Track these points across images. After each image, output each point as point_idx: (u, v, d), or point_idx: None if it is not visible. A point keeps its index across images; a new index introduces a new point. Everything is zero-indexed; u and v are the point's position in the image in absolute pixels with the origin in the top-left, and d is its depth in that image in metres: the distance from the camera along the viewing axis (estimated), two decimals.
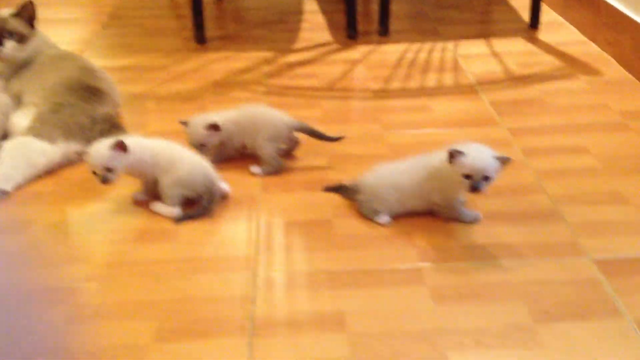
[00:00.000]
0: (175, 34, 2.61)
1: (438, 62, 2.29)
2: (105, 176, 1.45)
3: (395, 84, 2.15)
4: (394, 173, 1.47)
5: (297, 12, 2.84)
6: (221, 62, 2.35)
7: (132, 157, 1.47)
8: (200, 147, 1.64)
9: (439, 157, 1.42)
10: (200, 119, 1.67)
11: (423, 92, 2.08)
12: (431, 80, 2.16)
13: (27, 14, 1.86)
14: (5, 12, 1.86)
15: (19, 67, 1.88)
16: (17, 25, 1.84)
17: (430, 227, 1.43)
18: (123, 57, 2.39)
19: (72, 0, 3.04)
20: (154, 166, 1.51)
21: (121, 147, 1.45)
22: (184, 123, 1.68)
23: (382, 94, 2.09)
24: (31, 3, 1.86)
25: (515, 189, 1.55)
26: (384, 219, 1.45)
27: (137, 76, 2.24)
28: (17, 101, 1.81)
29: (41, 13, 1.96)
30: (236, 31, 2.64)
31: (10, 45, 1.83)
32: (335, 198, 1.56)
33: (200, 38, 2.51)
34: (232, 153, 1.71)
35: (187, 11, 2.85)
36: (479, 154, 1.33)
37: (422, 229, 1.42)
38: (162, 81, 2.20)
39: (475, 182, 1.32)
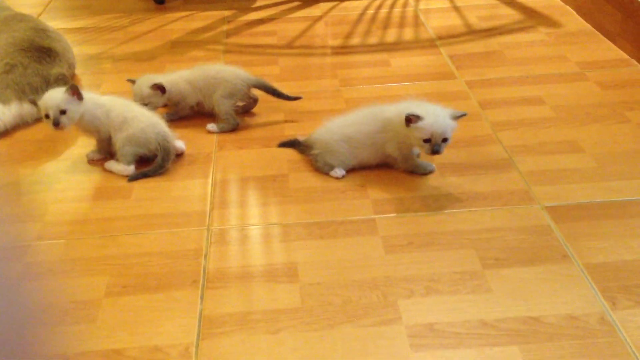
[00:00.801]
0: None
1: (399, 18, 2.27)
2: (57, 119, 1.42)
3: (355, 40, 2.13)
4: (343, 126, 1.46)
5: None
6: (180, 22, 2.31)
7: (85, 109, 1.46)
8: (143, 106, 1.62)
9: (392, 109, 1.42)
10: (146, 79, 1.66)
11: (383, 47, 2.07)
12: (391, 35, 2.14)
13: None
14: None
15: None
16: None
17: (385, 180, 1.43)
18: (81, 19, 2.34)
19: None
20: (107, 124, 1.49)
21: (75, 91, 1.44)
22: (132, 81, 1.67)
23: (342, 50, 2.07)
24: None
25: (471, 140, 1.55)
26: (339, 172, 1.44)
27: (94, 37, 2.20)
28: None
29: None
30: None
31: None
32: (292, 153, 1.55)
33: None
34: (187, 112, 1.69)
35: None
36: (436, 118, 1.32)
37: (376, 181, 1.42)
38: (120, 42, 2.16)
39: (436, 145, 1.32)
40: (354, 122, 1.45)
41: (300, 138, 1.55)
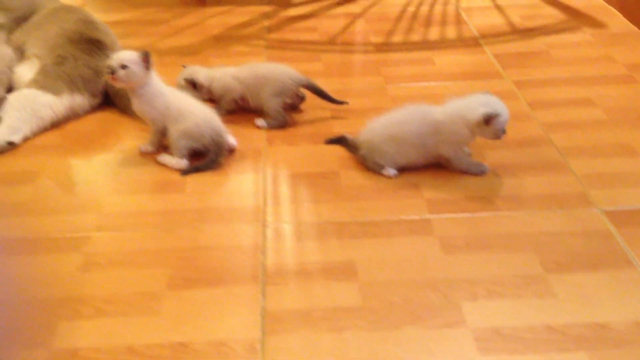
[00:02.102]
0: None
1: (440, 15, 2.27)
2: (115, 69, 1.45)
3: (397, 38, 2.12)
4: (388, 125, 1.46)
5: None
6: (221, 17, 2.32)
7: (148, 93, 1.49)
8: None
9: (441, 111, 1.42)
10: (188, 70, 1.71)
11: (426, 45, 2.07)
12: (434, 33, 2.14)
13: None
14: None
15: (21, 20, 1.85)
16: None
17: (437, 179, 1.43)
18: (123, 11, 2.36)
19: None
20: (164, 114, 1.51)
21: (146, 59, 1.47)
22: (184, 66, 1.74)
23: (384, 47, 2.07)
24: None
25: (522, 141, 1.55)
26: (390, 171, 1.45)
27: (137, 30, 2.21)
28: (20, 53, 1.78)
29: None
30: None
31: None
32: (340, 150, 1.56)
33: None
34: (232, 106, 1.71)
35: None
36: (503, 108, 1.38)
37: (429, 180, 1.42)
38: (163, 35, 2.17)
39: (504, 129, 1.39)
40: (399, 122, 1.45)
41: (348, 136, 1.56)
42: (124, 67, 1.45)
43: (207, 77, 1.69)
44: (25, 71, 1.72)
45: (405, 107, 1.47)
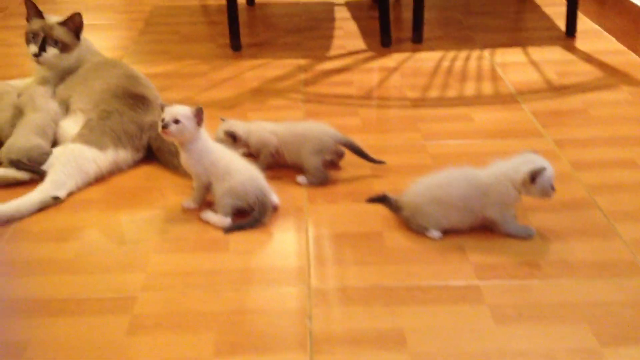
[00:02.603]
0: (210, 41, 2.62)
1: (475, 71, 2.28)
2: (168, 123, 1.47)
3: (434, 93, 2.14)
4: (432, 187, 1.46)
5: (329, 19, 2.84)
6: (257, 70, 2.35)
7: (197, 148, 1.51)
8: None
9: (486, 173, 1.42)
10: (227, 123, 1.72)
11: (462, 101, 2.08)
12: (470, 89, 2.15)
13: (74, 25, 1.87)
14: (54, 19, 1.87)
15: (65, 74, 1.90)
16: (62, 34, 1.85)
17: (483, 242, 1.42)
18: (161, 64, 2.40)
19: (107, 6, 3.05)
20: (210, 171, 1.52)
21: (198, 115, 1.49)
22: (223, 120, 1.74)
23: (421, 102, 2.08)
24: (79, 15, 1.87)
25: (567, 203, 1.54)
26: (435, 233, 1.44)
27: (176, 83, 2.25)
28: (65, 107, 1.82)
29: None
30: (269, 38, 2.65)
31: (52, 52, 1.85)
32: (382, 209, 1.56)
33: (235, 45, 2.51)
34: (270, 160, 1.72)
35: (219, 17, 2.86)
36: (546, 163, 1.38)
37: (475, 243, 1.42)
38: (201, 89, 2.21)
39: (552, 186, 1.39)
40: (443, 184, 1.45)
41: (390, 195, 1.56)
42: (177, 121, 1.47)
43: (245, 130, 1.71)
44: (70, 125, 1.75)
45: (449, 170, 1.47)
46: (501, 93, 2.11)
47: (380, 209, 1.56)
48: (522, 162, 1.40)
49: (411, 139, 1.87)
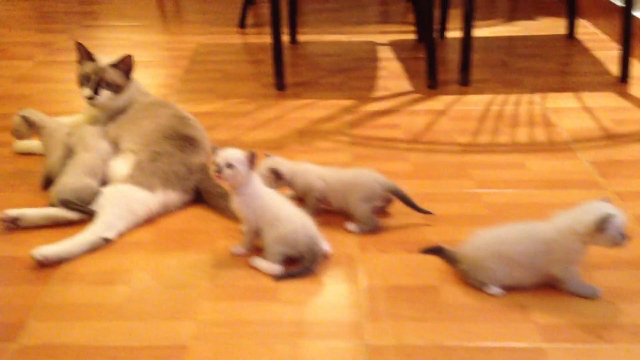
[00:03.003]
0: (253, 79, 2.62)
1: (526, 116, 2.23)
2: (222, 168, 1.44)
3: (484, 138, 2.10)
4: (494, 243, 1.40)
5: (373, 59, 2.82)
6: (302, 110, 2.33)
7: (248, 192, 1.48)
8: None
9: (550, 227, 1.37)
10: (271, 160, 1.69)
11: (515, 147, 2.03)
12: (522, 135, 2.10)
13: (125, 66, 1.88)
14: (105, 61, 1.88)
15: (115, 113, 1.90)
16: (114, 75, 1.86)
17: (546, 300, 1.36)
18: (207, 103, 2.40)
19: (151, 43, 3.08)
20: (260, 216, 1.49)
21: (252, 159, 1.47)
22: (267, 156, 1.71)
23: (471, 148, 2.04)
24: (130, 56, 1.88)
25: (634, 262, 1.47)
26: (494, 290, 1.38)
27: (222, 122, 2.24)
28: (115, 147, 1.81)
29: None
30: (313, 77, 2.64)
31: (105, 94, 1.85)
32: (437, 261, 1.51)
33: (280, 84, 2.50)
34: (316, 204, 1.68)
35: (262, 56, 2.86)
36: (616, 209, 1.32)
37: (537, 301, 1.36)
38: (247, 128, 2.19)
39: (622, 234, 1.32)
40: (506, 240, 1.39)
41: (446, 247, 1.51)
42: (230, 166, 1.44)
43: (290, 170, 1.68)
44: (120, 165, 1.74)
45: (512, 224, 1.42)
46: (555, 140, 2.06)
47: (435, 261, 1.51)
48: (586, 211, 1.33)
49: (463, 187, 1.82)
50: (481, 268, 1.39)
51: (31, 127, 1.86)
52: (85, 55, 1.88)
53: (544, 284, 1.38)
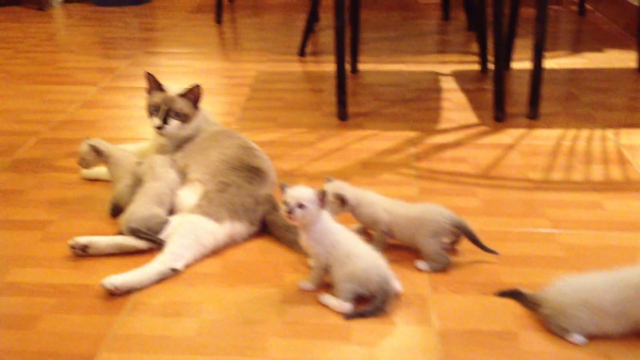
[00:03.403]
0: (315, 109, 2.60)
1: (600, 152, 2.16)
2: (293, 209, 1.42)
3: (557, 175, 2.02)
4: (581, 290, 1.34)
5: (435, 90, 2.78)
6: (365, 141, 2.30)
7: (317, 227, 1.45)
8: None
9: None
10: (337, 185, 1.65)
11: (589, 185, 1.95)
12: (596, 172, 2.03)
13: (194, 96, 1.88)
14: (174, 90, 1.88)
15: (182, 143, 1.90)
16: (183, 105, 1.86)
17: (632, 349, 1.28)
18: (269, 132, 2.39)
19: (212, 70, 3.10)
20: (330, 253, 1.46)
21: (322, 197, 1.44)
22: (329, 180, 1.67)
23: (544, 185, 1.97)
24: (198, 87, 1.88)
25: None
26: (578, 338, 1.31)
27: (284, 152, 2.22)
28: (182, 176, 1.80)
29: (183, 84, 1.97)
30: (375, 107, 2.61)
31: (174, 124, 1.85)
32: (513, 304, 1.45)
33: (342, 114, 2.48)
34: (383, 238, 1.64)
35: (323, 85, 2.85)
36: None
37: (623, 350, 1.28)
38: (310, 159, 2.17)
39: None
40: (595, 288, 1.32)
41: (525, 291, 1.44)
42: (301, 206, 1.42)
43: (355, 197, 1.64)
44: (188, 195, 1.73)
45: (600, 272, 1.35)
46: (632, 179, 1.97)
47: (511, 304, 1.44)
48: None
49: (536, 226, 1.75)
50: (565, 315, 1.32)
51: (99, 156, 1.86)
52: (155, 85, 1.89)
53: (631, 333, 1.31)
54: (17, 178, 2.05)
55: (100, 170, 1.97)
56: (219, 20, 3.85)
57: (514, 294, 1.46)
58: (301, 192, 1.44)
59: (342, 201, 1.62)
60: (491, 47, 2.49)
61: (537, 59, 2.37)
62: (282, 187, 1.47)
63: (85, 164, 1.89)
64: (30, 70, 3.11)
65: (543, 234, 1.72)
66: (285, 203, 1.43)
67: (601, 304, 1.29)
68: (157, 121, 1.84)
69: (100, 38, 3.63)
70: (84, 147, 1.88)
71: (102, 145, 1.88)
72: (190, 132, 1.90)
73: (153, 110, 1.86)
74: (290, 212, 1.42)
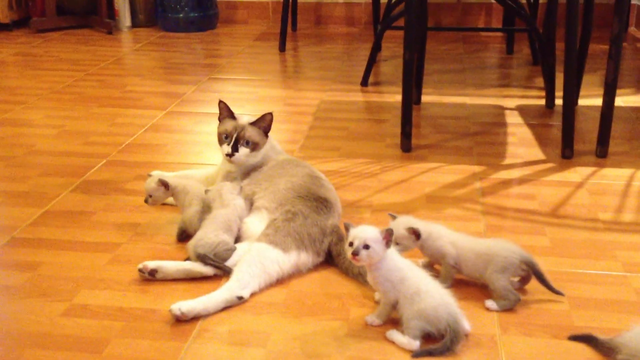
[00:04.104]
0: (378, 139, 2.60)
1: None
2: (358, 250, 1.41)
3: (628, 216, 1.97)
4: None
5: (500, 124, 2.75)
6: (430, 174, 2.28)
7: (384, 266, 1.44)
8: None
9: None
10: (406, 220, 1.62)
11: None
12: None
13: (265, 125, 1.90)
14: (245, 119, 1.91)
15: (250, 170, 1.92)
16: (254, 134, 1.88)
17: None
18: (332, 161, 2.39)
19: (276, 98, 3.14)
20: (398, 289, 1.44)
21: (388, 237, 1.42)
22: (392, 217, 1.65)
23: (614, 226, 1.91)
24: (270, 115, 1.90)
25: None
26: None
27: (348, 182, 2.22)
28: (249, 203, 1.82)
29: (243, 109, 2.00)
30: (438, 140, 2.59)
31: (243, 152, 1.87)
32: (586, 349, 1.40)
33: (406, 146, 2.47)
34: (452, 273, 1.62)
35: (385, 115, 2.85)
36: None
37: None
38: (373, 190, 2.16)
39: None
40: None
41: (599, 336, 1.40)
42: (367, 247, 1.41)
43: (426, 230, 1.62)
44: (255, 223, 1.75)
45: None
46: None
47: (584, 349, 1.40)
48: None
49: (608, 268, 1.70)
50: None
51: (167, 190, 1.86)
52: (227, 112, 1.92)
53: None
54: (86, 200, 2.11)
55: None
56: (282, 48, 3.91)
57: (588, 339, 1.41)
58: (366, 232, 1.42)
59: (416, 235, 1.61)
60: (558, 83, 2.45)
61: (609, 95, 2.32)
62: (346, 227, 1.46)
63: (153, 200, 1.87)
64: (99, 93, 3.20)
65: (615, 276, 1.67)
66: (351, 245, 1.42)
67: None
68: (227, 148, 1.86)
69: (166, 63, 3.72)
70: (150, 184, 1.86)
71: (168, 178, 1.89)
72: (259, 160, 1.92)
73: (224, 137, 1.88)
74: (355, 253, 1.41)
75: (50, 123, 2.80)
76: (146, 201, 1.89)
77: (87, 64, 3.69)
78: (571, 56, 2.33)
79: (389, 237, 1.43)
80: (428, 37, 3.58)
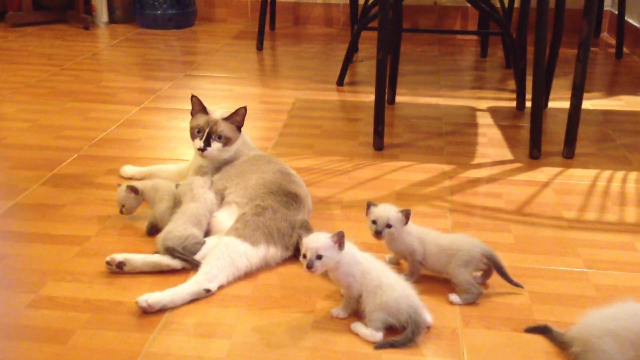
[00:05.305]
0: (351, 138, 2.62)
1: (635, 195, 2.14)
2: (312, 262, 1.42)
3: (591, 215, 2.01)
4: (606, 320, 1.33)
5: (471, 125, 2.79)
6: (400, 172, 2.31)
7: (342, 262, 1.46)
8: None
9: None
10: (390, 208, 1.63)
11: (623, 227, 1.94)
12: (630, 215, 2.01)
13: (237, 120, 1.92)
14: (218, 114, 1.92)
15: (221, 165, 1.93)
16: (226, 129, 1.90)
17: None
18: (305, 158, 2.42)
19: (251, 95, 3.15)
20: (360, 283, 1.47)
21: (339, 240, 1.44)
22: (373, 204, 1.65)
23: (578, 224, 1.96)
24: (244, 109, 1.92)
25: None
26: None
27: (319, 179, 2.24)
28: (220, 198, 1.83)
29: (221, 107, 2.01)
30: (410, 139, 2.62)
31: (215, 146, 1.89)
32: (545, 342, 1.44)
33: (378, 145, 2.50)
34: (419, 267, 1.65)
35: (360, 115, 2.88)
36: None
37: None
38: (344, 187, 2.19)
39: None
40: (620, 318, 1.32)
41: (553, 328, 1.44)
42: (319, 257, 1.43)
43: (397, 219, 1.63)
44: (224, 217, 1.76)
45: (626, 303, 1.36)
46: None
47: (543, 342, 1.44)
48: None
49: (569, 264, 1.75)
50: (594, 350, 1.31)
51: (138, 196, 1.86)
52: (200, 107, 1.94)
53: None
54: (56, 193, 2.10)
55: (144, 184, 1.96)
56: (260, 47, 3.93)
57: (543, 330, 1.45)
58: (317, 242, 1.43)
59: (388, 226, 1.61)
60: (529, 85, 2.50)
61: (576, 98, 2.37)
62: (301, 236, 1.49)
63: (127, 209, 1.86)
64: (74, 87, 3.20)
65: (576, 272, 1.71)
66: (304, 257, 1.44)
67: (628, 334, 1.29)
68: (199, 143, 1.88)
69: (142, 59, 3.72)
70: (121, 193, 1.85)
71: (137, 183, 1.88)
72: (231, 155, 1.93)
73: (196, 132, 1.90)
74: (309, 266, 1.43)
75: (23, 117, 2.79)
76: (121, 212, 1.87)
77: (63, 59, 3.68)
78: (540, 60, 2.38)
79: (340, 240, 1.45)
80: (404, 39, 3.62)
